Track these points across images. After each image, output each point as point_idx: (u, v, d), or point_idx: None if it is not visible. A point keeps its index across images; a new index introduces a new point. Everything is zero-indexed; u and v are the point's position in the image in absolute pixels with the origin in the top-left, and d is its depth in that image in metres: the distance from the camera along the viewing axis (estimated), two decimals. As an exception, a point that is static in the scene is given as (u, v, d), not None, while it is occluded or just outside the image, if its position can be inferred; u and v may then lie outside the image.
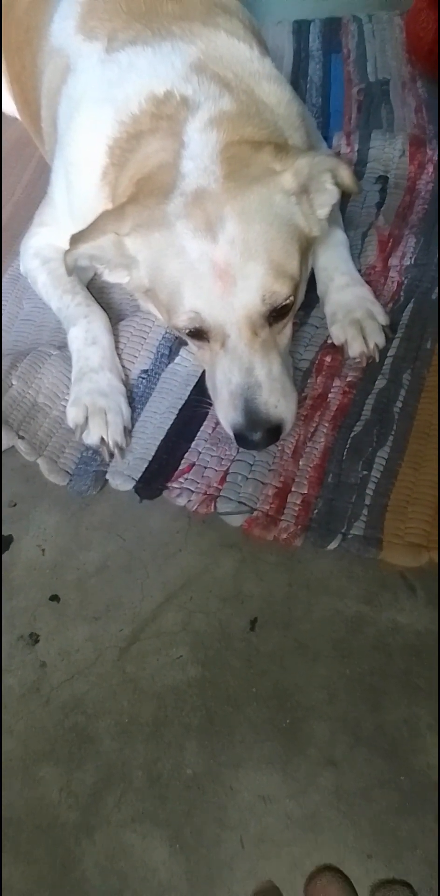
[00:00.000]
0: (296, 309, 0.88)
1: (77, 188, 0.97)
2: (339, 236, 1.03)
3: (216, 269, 0.78)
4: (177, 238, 0.80)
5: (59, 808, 0.70)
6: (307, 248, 0.87)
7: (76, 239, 0.87)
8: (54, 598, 0.83)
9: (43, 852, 0.68)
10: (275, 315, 0.82)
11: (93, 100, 0.93)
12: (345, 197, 1.09)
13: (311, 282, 1.00)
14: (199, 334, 0.84)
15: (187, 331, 0.84)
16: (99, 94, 0.92)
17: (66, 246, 0.87)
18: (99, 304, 1.02)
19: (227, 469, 0.89)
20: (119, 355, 0.99)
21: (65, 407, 0.94)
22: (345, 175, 0.85)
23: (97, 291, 1.07)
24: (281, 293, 0.80)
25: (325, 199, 0.86)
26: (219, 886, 0.64)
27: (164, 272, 0.82)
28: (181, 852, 0.66)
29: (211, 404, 0.90)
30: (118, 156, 0.89)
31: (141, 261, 0.84)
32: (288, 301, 0.81)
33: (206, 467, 0.90)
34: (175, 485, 0.89)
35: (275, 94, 0.92)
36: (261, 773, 0.65)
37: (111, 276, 0.89)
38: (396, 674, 0.74)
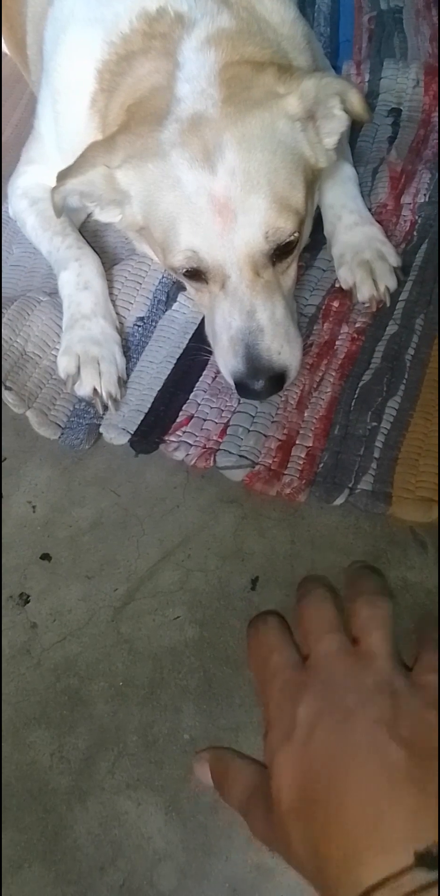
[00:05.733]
0: (302, 247, 0.82)
1: (65, 118, 0.90)
2: (348, 172, 0.96)
3: (215, 202, 0.72)
4: (172, 169, 0.74)
5: (50, 774, 0.67)
6: (313, 180, 0.81)
7: (63, 174, 0.80)
8: (45, 556, 0.79)
9: (33, 819, 0.65)
10: (279, 253, 0.76)
11: (80, 20, 0.86)
12: (354, 129, 1.03)
13: (318, 222, 0.94)
14: (196, 275, 0.78)
15: (184, 271, 0.78)
16: (87, 13, 0.85)
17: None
18: (92, 247, 0.96)
19: (228, 421, 0.84)
20: (113, 301, 0.93)
21: (55, 356, 0.89)
22: (356, 100, 0.78)
23: (91, 235, 1.01)
24: (285, 229, 0.74)
25: (333, 126, 0.79)
26: (216, 854, 0.61)
27: (158, 207, 0.76)
28: (177, 820, 0.63)
29: (210, 353, 0.85)
30: (108, 80, 0.82)
31: (133, 195, 0.78)
32: (292, 238, 0.75)
33: (205, 419, 0.85)
34: (172, 438, 0.84)
35: (278, 11, 0.85)
36: (261, 738, 0.61)
37: (102, 215, 0.83)
38: (405, 634, 0.70)
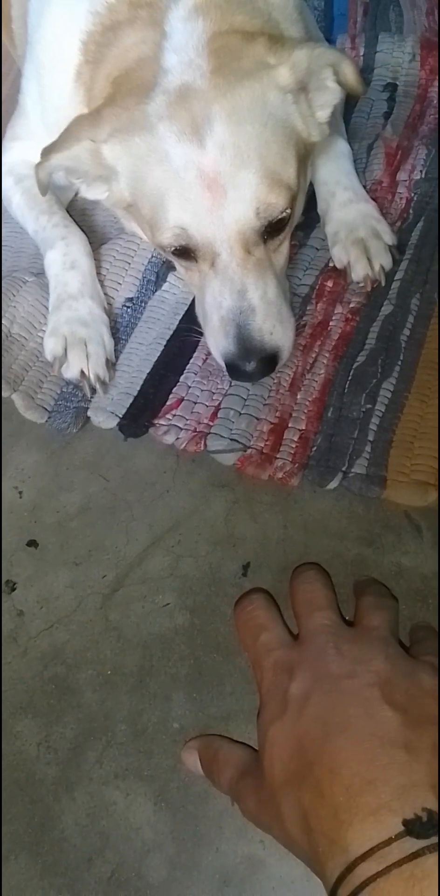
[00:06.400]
0: (294, 225, 0.80)
1: (49, 92, 0.88)
2: (342, 147, 0.94)
3: (204, 177, 0.70)
4: (159, 142, 0.71)
5: (37, 764, 0.65)
6: (305, 155, 0.79)
7: (48, 150, 0.78)
8: (32, 542, 0.78)
9: (20, 810, 0.64)
10: (271, 231, 0.74)
11: (65, -11, 0.83)
12: (349, 104, 1.01)
13: (311, 199, 0.92)
14: (186, 253, 0.76)
15: (173, 249, 0.76)
16: (71, -18, 0.82)
17: (41, 160, 0.79)
18: (80, 226, 0.94)
19: (219, 404, 0.83)
20: (101, 282, 0.91)
21: (42, 338, 0.87)
22: (349, 71, 0.75)
23: (79, 213, 0.99)
24: (277, 205, 0.72)
25: (326, 98, 0.77)
26: (206, 846, 0.60)
27: (145, 182, 0.74)
28: (167, 810, 0.62)
29: (201, 334, 0.82)
30: (93, 52, 0.79)
31: (120, 171, 0.76)
32: (284, 214, 0.73)
33: (195, 402, 0.83)
34: (162, 421, 0.82)
35: (268, -20, 0.82)
36: (252, 727, 0.60)
37: (89, 192, 0.81)
38: (400, 620, 0.69)
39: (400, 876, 0.41)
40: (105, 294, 0.91)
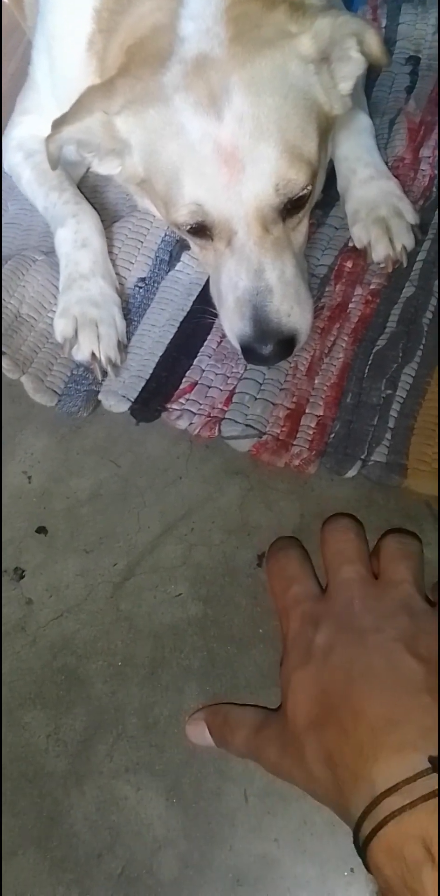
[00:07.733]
0: (314, 202, 0.77)
1: (61, 63, 0.85)
2: (364, 122, 0.90)
3: (221, 151, 0.67)
4: (175, 115, 0.68)
5: (46, 756, 0.64)
6: (327, 128, 0.75)
7: (59, 122, 0.75)
8: (42, 529, 0.76)
9: (28, 803, 0.62)
10: (290, 208, 0.71)
11: None
12: (370, 77, 0.97)
13: (331, 176, 0.88)
14: (201, 231, 0.73)
15: (188, 227, 0.73)
16: None
17: (52, 134, 0.76)
18: (91, 204, 0.91)
19: (234, 388, 0.80)
20: (113, 261, 0.89)
21: (52, 319, 0.84)
22: (373, 41, 0.72)
23: (90, 190, 0.96)
24: (297, 181, 0.69)
25: (349, 69, 0.73)
26: (219, 843, 0.59)
27: (160, 157, 0.71)
28: (179, 805, 0.60)
29: (216, 315, 0.80)
30: (106, 20, 0.76)
31: (134, 144, 0.73)
32: (305, 191, 0.70)
33: (209, 386, 0.81)
34: (175, 406, 0.80)
35: None
36: (267, 722, 0.58)
37: (101, 167, 0.78)
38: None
39: (425, 809, 0.43)
40: (117, 274, 0.88)
